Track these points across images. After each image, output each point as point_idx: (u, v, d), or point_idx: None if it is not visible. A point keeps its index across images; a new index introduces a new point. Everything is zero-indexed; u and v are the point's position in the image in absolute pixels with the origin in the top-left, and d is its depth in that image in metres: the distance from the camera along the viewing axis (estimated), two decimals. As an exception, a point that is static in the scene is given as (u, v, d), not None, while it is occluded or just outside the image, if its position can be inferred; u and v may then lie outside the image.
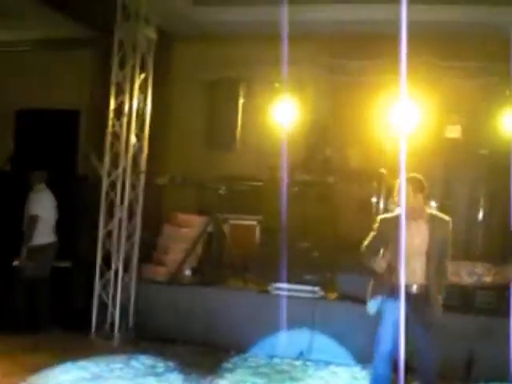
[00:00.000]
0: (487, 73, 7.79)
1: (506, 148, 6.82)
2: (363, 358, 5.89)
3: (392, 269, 4.62)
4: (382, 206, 7.68)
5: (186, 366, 5.76)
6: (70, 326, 6.73)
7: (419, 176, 4.81)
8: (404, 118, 7.13)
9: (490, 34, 7.27)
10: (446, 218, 4.78)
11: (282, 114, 7.77)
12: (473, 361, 5.76)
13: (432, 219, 4.72)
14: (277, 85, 7.66)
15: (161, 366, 5.79)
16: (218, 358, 6.02)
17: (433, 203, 7.52)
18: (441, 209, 7.51)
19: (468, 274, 5.76)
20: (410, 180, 4.74)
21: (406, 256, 4.52)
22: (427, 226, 4.68)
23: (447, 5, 7.01)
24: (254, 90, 8.13)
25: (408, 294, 4.57)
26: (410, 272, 4.58)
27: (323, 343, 6.16)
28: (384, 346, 4.60)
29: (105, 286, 6.72)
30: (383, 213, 7.49)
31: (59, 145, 8.91)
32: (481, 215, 7.65)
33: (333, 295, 6.65)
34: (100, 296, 6.70)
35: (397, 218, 4.65)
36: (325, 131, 8.30)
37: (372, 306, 4.73)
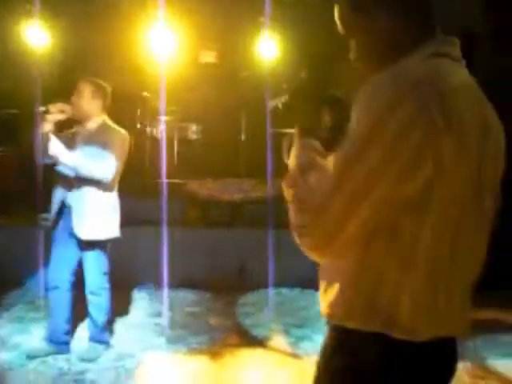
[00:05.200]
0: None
1: (265, 70, 7.28)
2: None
3: None
4: (148, 129, 7.72)
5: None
6: None
7: (103, 82, 4.29)
8: (160, 43, 7.15)
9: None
10: (122, 131, 4.29)
11: (33, 38, 7.35)
12: (244, 270, 6.26)
13: (103, 127, 4.23)
14: (28, 7, 7.13)
15: None
16: (-10, 299, 5.68)
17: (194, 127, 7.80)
18: (203, 131, 7.86)
19: (236, 190, 6.16)
20: (89, 82, 4.20)
21: None
22: (93, 133, 4.22)
23: None
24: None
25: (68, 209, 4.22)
26: None
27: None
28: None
29: None
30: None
31: None
32: (243, 136, 8.11)
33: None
34: None
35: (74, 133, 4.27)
36: (78, 58, 7.92)
37: None
